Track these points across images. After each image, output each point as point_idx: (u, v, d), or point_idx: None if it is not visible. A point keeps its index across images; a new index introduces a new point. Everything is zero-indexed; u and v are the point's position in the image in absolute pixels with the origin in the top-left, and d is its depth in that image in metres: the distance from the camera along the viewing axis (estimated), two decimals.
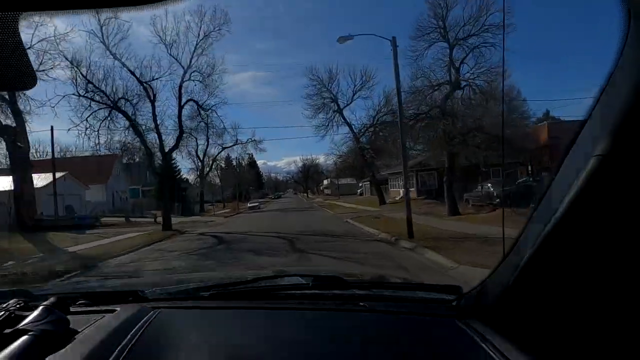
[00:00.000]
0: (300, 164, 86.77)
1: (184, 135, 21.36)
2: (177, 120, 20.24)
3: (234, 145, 39.76)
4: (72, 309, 1.01)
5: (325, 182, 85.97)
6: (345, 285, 1.26)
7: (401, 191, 25.06)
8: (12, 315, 0.83)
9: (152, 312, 1.01)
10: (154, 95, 19.07)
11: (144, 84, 18.66)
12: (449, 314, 1.03)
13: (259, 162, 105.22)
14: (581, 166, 0.58)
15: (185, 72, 19.63)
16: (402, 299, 1.27)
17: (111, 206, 33.43)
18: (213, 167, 47.07)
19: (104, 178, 32.10)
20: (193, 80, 20.42)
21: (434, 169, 25.70)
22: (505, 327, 0.82)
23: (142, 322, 0.93)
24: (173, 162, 34.33)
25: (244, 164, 79.07)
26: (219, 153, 43.81)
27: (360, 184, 60.41)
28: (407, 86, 17.59)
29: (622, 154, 0.54)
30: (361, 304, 1.12)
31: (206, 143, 37.17)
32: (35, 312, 0.83)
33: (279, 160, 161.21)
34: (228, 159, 72.37)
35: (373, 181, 31.70)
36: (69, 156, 35.51)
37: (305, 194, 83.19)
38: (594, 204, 0.59)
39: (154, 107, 19.09)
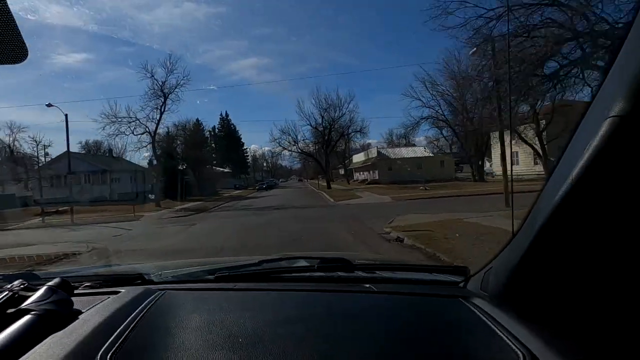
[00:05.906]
0: (316, 114, 39.74)
1: None
2: None
3: None
4: (76, 291, 1.02)
5: (357, 158, 45.41)
6: (351, 267, 1.26)
7: None
8: (16, 295, 0.84)
9: (157, 293, 1.01)
10: None
11: None
12: (455, 294, 1.01)
13: (265, 149, 70.82)
14: (595, 130, 0.53)
15: None
16: (408, 280, 1.26)
17: None
18: None
19: None
20: None
21: None
22: (513, 308, 0.80)
23: (146, 302, 0.93)
24: None
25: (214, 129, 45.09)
26: None
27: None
28: None
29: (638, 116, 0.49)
30: (367, 285, 1.12)
31: None
32: (39, 292, 0.83)
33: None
34: (198, 123, 43.05)
35: None
36: None
37: (325, 182, 38.88)
38: (607, 170, 0.54)
39: None
